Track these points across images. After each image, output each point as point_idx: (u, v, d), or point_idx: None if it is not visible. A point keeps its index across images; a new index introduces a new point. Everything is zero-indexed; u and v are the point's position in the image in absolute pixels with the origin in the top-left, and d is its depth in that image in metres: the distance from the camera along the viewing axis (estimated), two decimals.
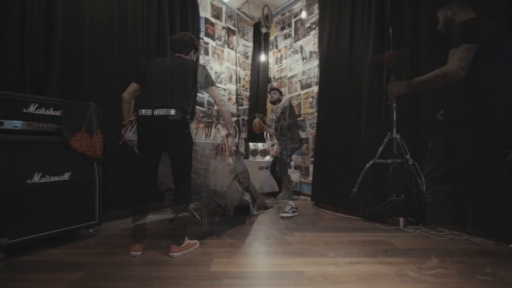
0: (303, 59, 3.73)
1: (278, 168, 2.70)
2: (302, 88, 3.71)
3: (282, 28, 4.13)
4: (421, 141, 2.17)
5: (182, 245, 1.63)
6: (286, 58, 4.04)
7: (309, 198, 3.33)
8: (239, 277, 1.34)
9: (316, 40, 3.39)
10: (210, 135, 1.80)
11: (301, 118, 3.67)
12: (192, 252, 1.66)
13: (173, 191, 2.16)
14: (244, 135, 4.31)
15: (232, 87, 4.10)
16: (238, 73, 4.18)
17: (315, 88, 3.44)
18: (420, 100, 2.17)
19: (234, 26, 4.18)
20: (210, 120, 3.66)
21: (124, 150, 2.42)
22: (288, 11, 4.04)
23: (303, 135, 3.62)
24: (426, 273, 1.40)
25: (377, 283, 1.30)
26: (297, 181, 3.70)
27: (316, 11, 3.43)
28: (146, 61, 2.64)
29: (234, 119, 4.11)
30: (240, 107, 4.19)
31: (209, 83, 1.75)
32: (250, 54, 4.44)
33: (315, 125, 3.29)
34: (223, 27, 3.94)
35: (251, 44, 4.45)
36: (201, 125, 1.84)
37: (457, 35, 1.49)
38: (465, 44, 1.48)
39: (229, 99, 4.04)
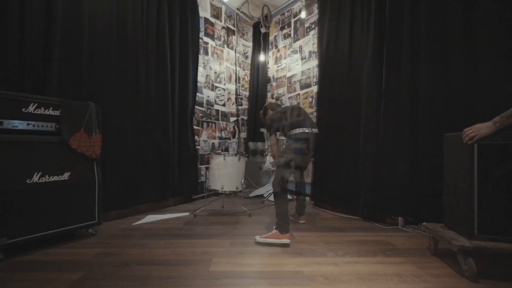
0: (302, 59, 3.74)
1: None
2: (301, 88, 3.71)
3: (282, 28, 4.13)
4: (421, 141, 2.17)
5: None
6: (285, 58, 4.05)
7: (308, 198, 3.33)
8: (238, 276, 1.35)
9: (316, 40, 3.39)
10: None
11: (300, 118, 3.67)
12: (191, 252, 1.66)
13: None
14: (244, 135, 4.31)
15: (232, 87, 4.10)
16: (237, 73, 4.18)
17: (314, 88, 3.44)
18: (419, 102, 2.17)
19: (234, 26, 4.18)
20: (209, 120, 3.67)
21: (123, 150, 2.43)
22: (288, 11, 4.04)
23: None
24: (425, 273, 1.40)
25: (376, 282, 1.30)
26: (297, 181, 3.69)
27: (316, 11, 3.44)
28: (146, 61, 2.64)
29: (234, 119, 4.11)
30: (239, 107, 4.20)
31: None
32: (249, 54, 4.44)
33: (315, 125, 3.28)
34: (223, 27, 3.94)
35: (250, 44, 4.46)
36: None
37: None
38: None
39: (229, 99, 4.04)
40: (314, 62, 3.50)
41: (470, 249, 1.38)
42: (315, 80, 3.47)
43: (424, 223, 1.80)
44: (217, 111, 3.82)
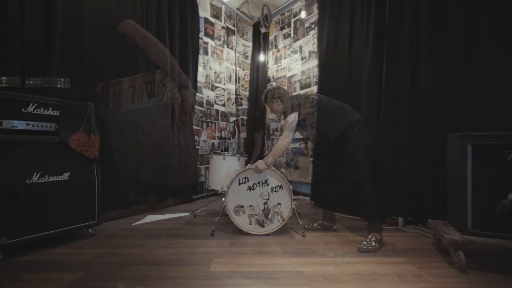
0: (302, 59, 3.73)
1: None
2: (301, 88, 3.71)
3: (282, 28, 4.13)
4: (421, 141, 2.17)
5: None
6: (285, 58, 4.04)
7: (308, 198, 3.33)
8: (238, 277, 1.35)
9: (315, 40, 3.39)
10: None
11: (300, 118, 3.67)
12: (191, 252, 1.66)
13: None
14: (243, 135, 4.31)
15: (232, 87, 4.10)
16: (237, 73, 4.18)
17: (314, 88, 3.44)
18: (419, 101, 2.17)
19: (234, 26, 4.17)
20: (209, 120, 3.66)
21: (123, 150, 2.43)
22: (288, 11, 4.04)
23: (302, 135, 3.62)
24: (425, 273, 1.40)
25: (376, 283, 1.30)
26: (297, 180, 3.70)
27: (316, 11, 3.44)
28: (145, 61, 2.64)
29: (234, 119, 4.11)
30: (239, 107, 4.20)
31: None
32: (249, 54, 4.44)
33: (314, 125, 3.28)
34: (223, 27, 3.94)
35: (250, 44, 4.45)
36: None
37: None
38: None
39: (229, 99, 4.04)
40: (314, 62, 3.50)
41: (459, 242, 1.45)
42: (315, 80, 3.46)
43: (429, 220, 1.84)
44: (217, 111, 3.82)
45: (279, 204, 2.04)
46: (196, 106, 3.34)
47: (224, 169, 2.38)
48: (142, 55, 2.60)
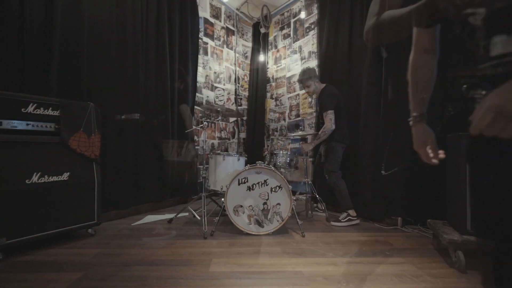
0: (302, 59, 3.74)
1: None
2: (301, 88, 3.70)
3: (281, 28, 4.13)
4: None
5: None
6: (285, 58, 4.05)
7: None
8: (238, 277, 1.35)
9: (315, 41, 3.40)
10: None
11: (299, 118, 3.68)
12: (191, 252, 1.66)
13: None
14: (243, 135, 4.31)
15: (231, 87, 4.10)
16: (237, 73, 4.18)
17: None
18: None
19: (233, 26, 4.18)
20: (209, 120, 3.66)
21: (123, 150, 2.43)
22: (287, 11, 4.04)
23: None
24: (424, 273, 1.41)
25: (376, 282, 1.30)
26: (297, 181, 3.70)
27: (315, 11, 3.44)
28: (145, 61, 2.64)
29: (233, 119, 4.11)
30: (239, 107, 4.20)
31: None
32: (249, 54, 4.45)
33: (313, 125, 3.29)
34: (222, 27, 3.94)
35: (250, 44, 4.46)
36: None
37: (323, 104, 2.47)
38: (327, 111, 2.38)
39: (228, 99, 4.04)
40: (313, 62, 3.50)
41: (458, 242, 1.46)
42: None
43: (428, 220, 1.85)
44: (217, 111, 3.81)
45: (279, 204, 2.05)
46: (195, 106, 3.34)
47: (223, 169, 2.38)
48: (142, 53, 2.60)
